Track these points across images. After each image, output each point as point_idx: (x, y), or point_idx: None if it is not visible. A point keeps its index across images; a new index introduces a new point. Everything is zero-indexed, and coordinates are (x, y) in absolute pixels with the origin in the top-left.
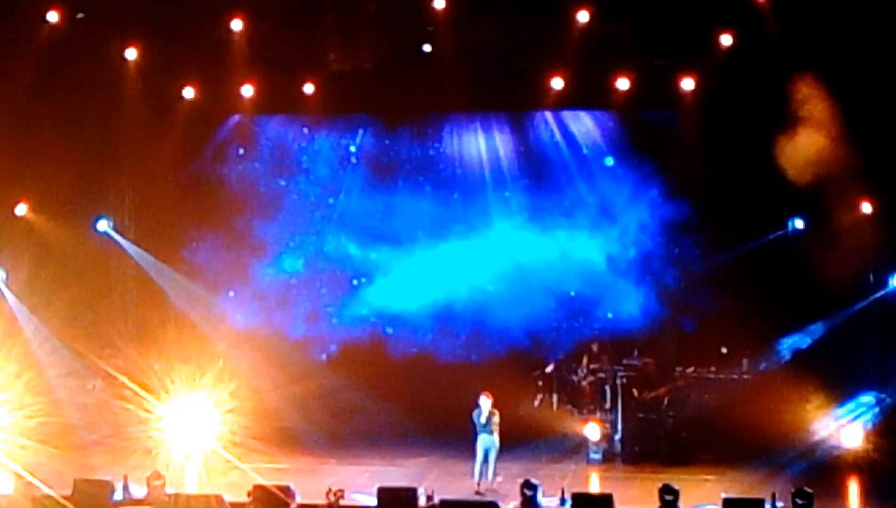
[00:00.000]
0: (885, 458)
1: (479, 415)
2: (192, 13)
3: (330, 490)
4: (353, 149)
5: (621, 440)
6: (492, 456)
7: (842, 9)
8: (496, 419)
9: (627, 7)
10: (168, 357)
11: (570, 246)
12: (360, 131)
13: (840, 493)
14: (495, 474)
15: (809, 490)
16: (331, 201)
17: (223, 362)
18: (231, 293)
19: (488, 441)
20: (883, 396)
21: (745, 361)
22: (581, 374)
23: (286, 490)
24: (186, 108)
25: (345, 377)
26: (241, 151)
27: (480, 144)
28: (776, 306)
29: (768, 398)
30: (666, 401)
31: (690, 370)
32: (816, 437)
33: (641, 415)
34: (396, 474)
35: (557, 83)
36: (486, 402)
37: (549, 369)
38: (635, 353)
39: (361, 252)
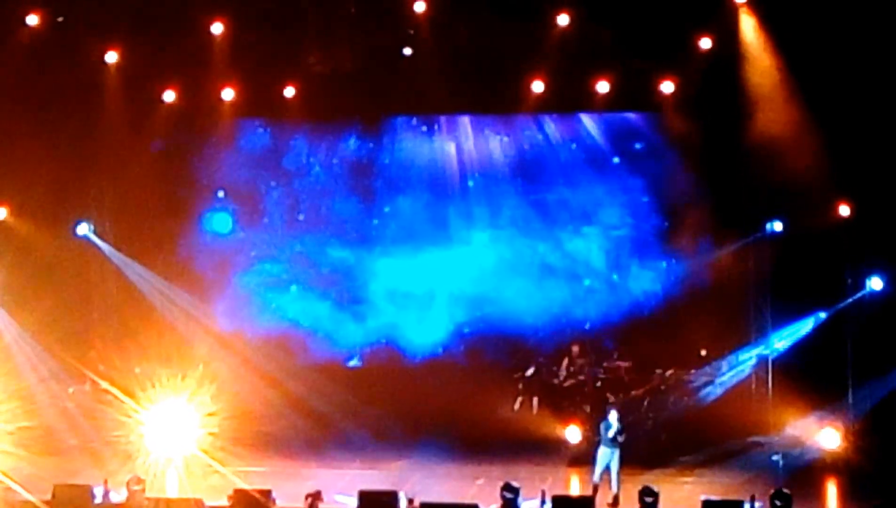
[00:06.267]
0: (863, 459)
1: (608, 428)
2: (173, 16)
3: (309, 494)
4: (332, 151)
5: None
6: (615, 468)
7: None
8: (622, 431)
9: (607, 10)
10: (149, 361)
11: (551, 248)
12: (341, 133)
13: (818, 494)
14: (616, 484)
15: (787, 492)
16: (311, 203)
17: (203, 366)
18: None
19: (609, 454)
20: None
21: (723, 363)
22: (562, 377)
23: (266, 494)
24: (167, 111)
25: (325, 381)
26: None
27: (461, 147)
28: (755, 308)
29: (746, 400)
30: (646, 403)
31: (670, 372)
32: (794, 438)
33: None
34: (377, 477)
35: (538, 86)
36: (614, 416)
37: (529, 371)
38: (615, 356)
39: (342, 255)
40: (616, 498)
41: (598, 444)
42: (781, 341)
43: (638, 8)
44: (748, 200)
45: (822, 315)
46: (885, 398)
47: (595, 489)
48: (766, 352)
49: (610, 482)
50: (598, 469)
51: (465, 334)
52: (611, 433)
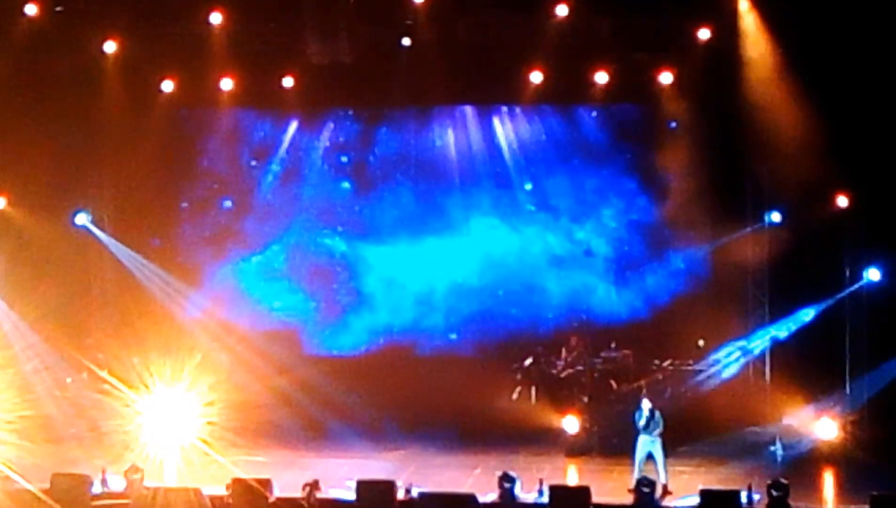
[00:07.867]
0: (860, 449)
1: (640, 417)
2: (172, 6)
3: (307, 484)
4: (331, 143)
5: (599, 432)
6: (659, 457)
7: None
8: (657, 419)
9: (606, 1)
10: (147, 351)
11: (549, 240)
12: (340, 125)
13: (815, 485)
14: (663, 473)
15: (785, 482)
16: (310, 194)
17: (202, 355)
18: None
19: (648, 443)
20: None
21: (721, 353)
22: (560, 367)
23: (265, 484)
24: (165, 101)
25: (322, 371)
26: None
27: (460, 138)
28: (753, 299)
29: (744, 391)
30: (644, 393)
31: (668, 362)
32: (791, 428)
33: (620, 408)
34: (375, 467)
35: (536, 77)
36: (646, 404)
37: (527, 362)
38: (613, 345)
39: (341, 246)
40: (665, 488)
41: (636, 435)
42: (778, 331)
43: None
44: (747, 190)
45: (820, 306)
46: (882, 388)
47: (638, 487)
48: (763, 343)
49: (657, 473)
50: (637, 459)
51: (463, 325)
52: (643, 422)
